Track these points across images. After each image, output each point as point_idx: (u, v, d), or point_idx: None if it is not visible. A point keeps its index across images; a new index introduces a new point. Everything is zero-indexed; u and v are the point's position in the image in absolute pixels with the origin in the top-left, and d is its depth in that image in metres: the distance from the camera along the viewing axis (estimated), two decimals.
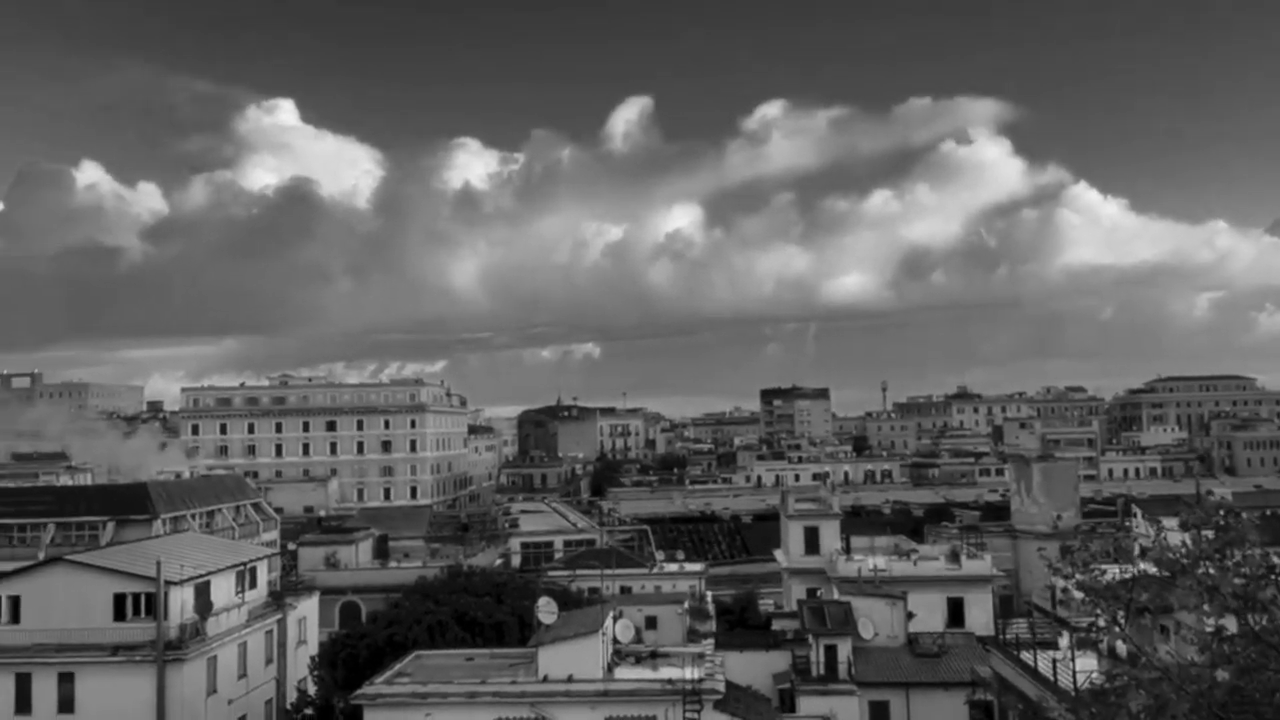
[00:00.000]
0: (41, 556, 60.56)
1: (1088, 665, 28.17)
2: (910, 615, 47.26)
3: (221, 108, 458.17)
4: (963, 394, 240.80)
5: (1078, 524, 77.17)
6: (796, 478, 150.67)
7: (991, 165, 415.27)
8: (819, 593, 59.90)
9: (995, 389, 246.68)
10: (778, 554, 70.62)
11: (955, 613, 53.34)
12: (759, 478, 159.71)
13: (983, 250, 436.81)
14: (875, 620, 45.15)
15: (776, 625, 51.73)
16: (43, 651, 40.16)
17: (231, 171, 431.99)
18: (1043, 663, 32.50)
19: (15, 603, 41.32)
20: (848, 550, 62.95)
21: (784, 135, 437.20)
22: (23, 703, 39.87)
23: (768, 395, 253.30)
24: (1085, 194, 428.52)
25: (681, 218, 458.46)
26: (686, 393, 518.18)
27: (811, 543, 64.24)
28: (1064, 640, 33.49)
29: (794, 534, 65.23)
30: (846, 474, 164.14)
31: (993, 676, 37.97)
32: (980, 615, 52.84)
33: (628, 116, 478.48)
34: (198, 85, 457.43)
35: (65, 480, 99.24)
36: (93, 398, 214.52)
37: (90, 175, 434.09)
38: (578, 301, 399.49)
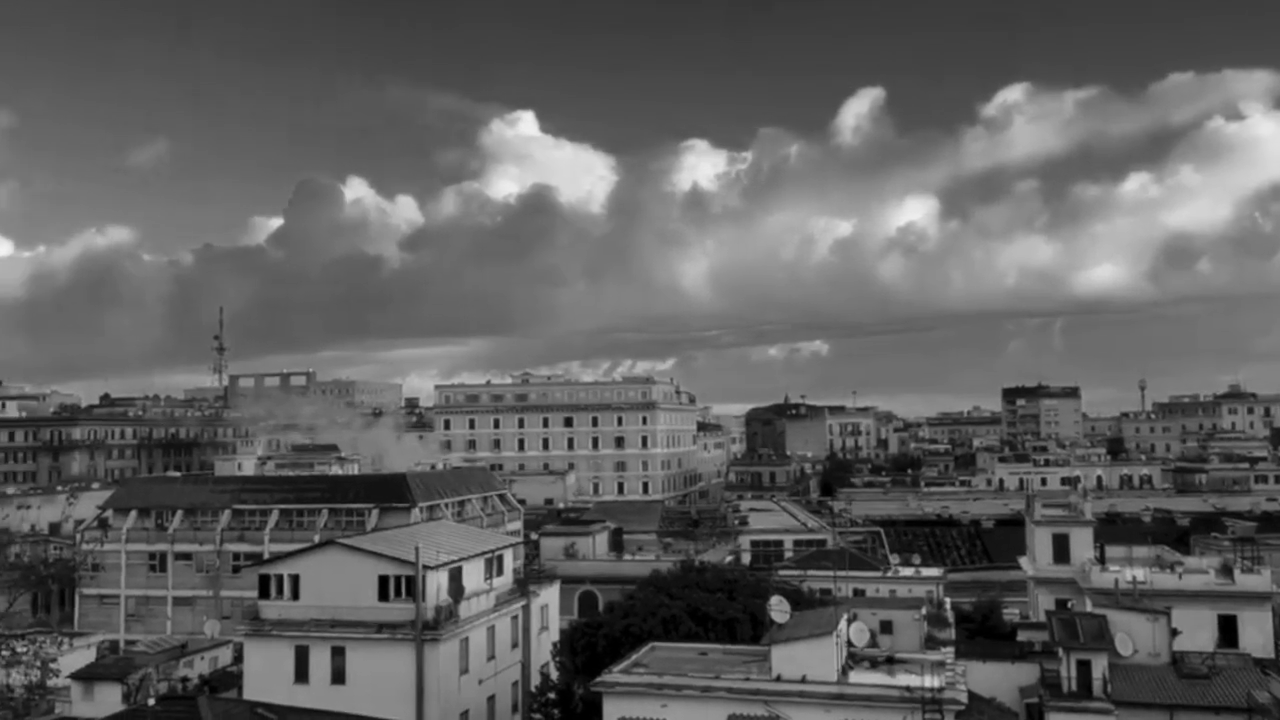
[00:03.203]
0: (317, 539, 66.45)
1: None
2: (1174, 632, 43.57)
3: (469, 123, 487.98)
4: (1235, 393, 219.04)
5: None
6: (1043, 481, 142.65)
7: (1267, 142, 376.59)
8: (1069, 604, 56.32)
9: (1274, 388, 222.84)
10: (1022, 561, 67.15)
11: (1227, 631, 48.98)
12: (1001, 481, 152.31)
13: (1257, 235, 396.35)
14: (1134, 636, 41.94)
15: (1022, 636, 49.25)
16: (319, 626, 43.92)
17: (478, 182, 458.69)
18: None
19: (295, 581, 45.37)
20: (1102, 560, 58.96)
21: (1027, 120, 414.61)
22: (301, 672, 43.76)
23: (1010, 394, 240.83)
24: None
25: (915, 210, 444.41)
26: (920, 391, 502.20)
27: (1061, 551, 60.60)
28: None
29: (1041, 541, 61.75)
30: (1100, 478, 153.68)
31: (1272, 703, 34.44)
32: (1257, 635, 48.25)
33: (858, 109, 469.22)
34: (448, 103, 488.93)
35: (336, 470, 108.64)
36: (359, 394, 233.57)
37: (356, 190, 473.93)
38: (805, 298, 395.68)
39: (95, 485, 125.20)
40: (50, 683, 40.53)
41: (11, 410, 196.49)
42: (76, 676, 46.41)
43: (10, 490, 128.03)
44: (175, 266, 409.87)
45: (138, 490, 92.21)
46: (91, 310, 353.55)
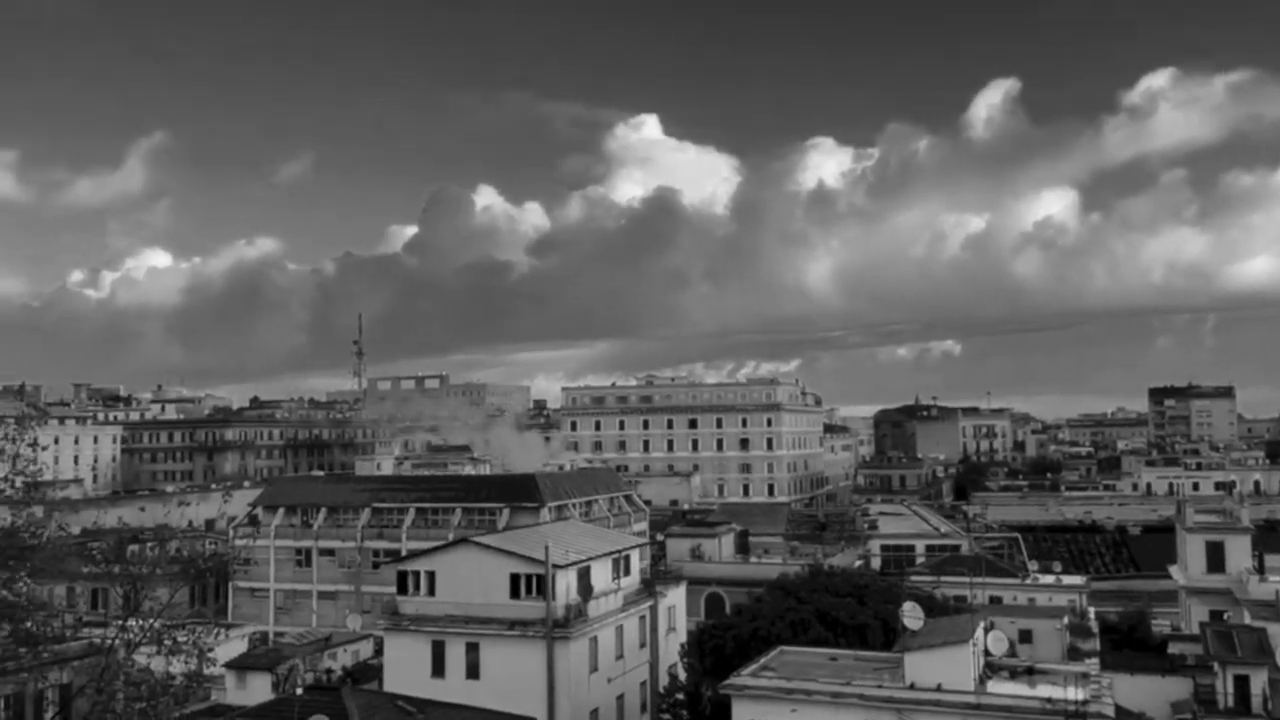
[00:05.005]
0: (450, 537, 68.28)
1: None
2: None
3: (594, 128, 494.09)
4: None
5: None
6: (1195, 486, 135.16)
7: None
8: (1225, 616, 53.29)
9: None
10: (1173, 570, 63.88)
11: None
12: (1148, 485, 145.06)
13: None
14: None
15: (1173, 649, 46.91)
16: (453, 622, 45.19)
17: (603, 187, 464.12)
18: None
19: (431, 578, 46.77)
20: (1261, 570, 55.53)
21: (1173, 107, 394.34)
22: (438, 667, 45.02)
23: (1158, 394, 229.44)
24: None
25: (1052, 204, 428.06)
26: (1059, 392, 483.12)
27: (1215, 559, 57.35)
28: None
29: (1193, 549, 58.59)
30: (1257, 483, 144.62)
31: None
32: None
33: (990, 101, 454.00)
34: (573, 110, 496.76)
35: (468, 470, 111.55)
36: (489, 396, 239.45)
37: (486, 198, 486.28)
38: (936, 297, 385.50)
39: (246, 484, 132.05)
40: (206, 671, 42.84)
41: (171, 413, 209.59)
42: (230, 665, 48.95)
43: (170, 488, 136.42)
44: (318, 275, 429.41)
45: (285, 489, 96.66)
46: (242, 317, 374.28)
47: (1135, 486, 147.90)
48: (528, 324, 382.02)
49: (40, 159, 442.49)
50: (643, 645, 50.55)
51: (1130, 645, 51.70)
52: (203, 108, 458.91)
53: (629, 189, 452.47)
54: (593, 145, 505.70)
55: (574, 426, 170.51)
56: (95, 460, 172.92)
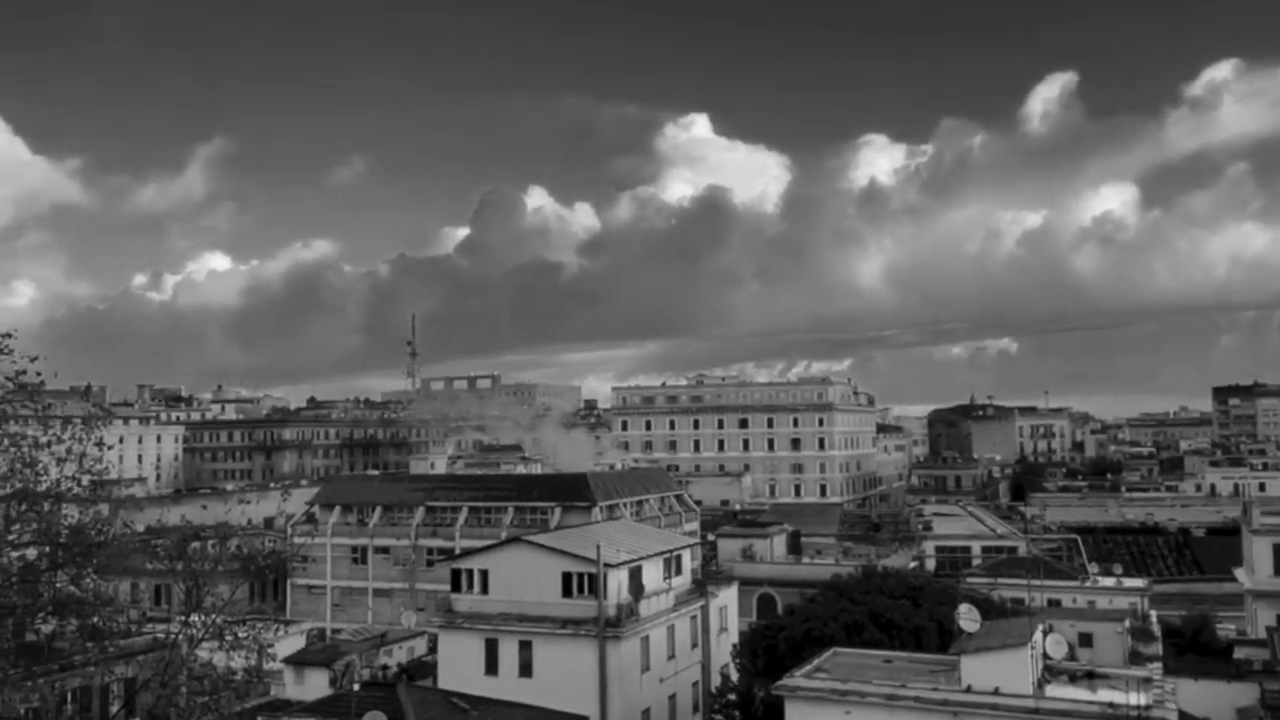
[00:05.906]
0: (503, 536, 68.81)
1: None
2: None
3: (643, 129, 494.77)
4: None
5: None
6: (1261, 487, 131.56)
7: None
8: None
9: None
10: (1239, 573, 62.26)
11: None
12: (1212, 486, 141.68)
13: None
14: None
15: (1239, 653, 45.73)
16: (506, 620, 45.51)
17: (653, 187, 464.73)
18: None
19: (484, 576, 47.13)
20: None
21: (1237, 99, 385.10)
22: (491, 664, 45.35)
23: (1222, 393, 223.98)
24: None
25: (1111, 199, 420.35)
26: (1119, 391, 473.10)
27: None
28: None
29: (1260, 551, 57.07)
30: None
31: None
32: None
33: (1047, 95, 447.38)
34: (623, 111, 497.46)
35: (520, 469, 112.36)
36: (540, 396, 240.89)
37: (537, 199, 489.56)
38: (991, 294, 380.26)
39: (304, 482, 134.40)
40: (266, 666, 43.63)
41: (230, 413, 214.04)
42: (289, 661, 49.88)
43: (230, 487, 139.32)
44: (372, 276, 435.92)
45: (341, 488, 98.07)
46: (299, 318, 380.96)
47: (1199, 487, 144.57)
48: (578, 324, 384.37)
49: (105, 166, 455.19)
50: (694, 645, 50.47)
51: (1194, 650, 50.56)
52: (260, 114, 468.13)
53: (679, 189, 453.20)
54: (643, 145, 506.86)
55: (624, 426, 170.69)
56: (158, 459, 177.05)
